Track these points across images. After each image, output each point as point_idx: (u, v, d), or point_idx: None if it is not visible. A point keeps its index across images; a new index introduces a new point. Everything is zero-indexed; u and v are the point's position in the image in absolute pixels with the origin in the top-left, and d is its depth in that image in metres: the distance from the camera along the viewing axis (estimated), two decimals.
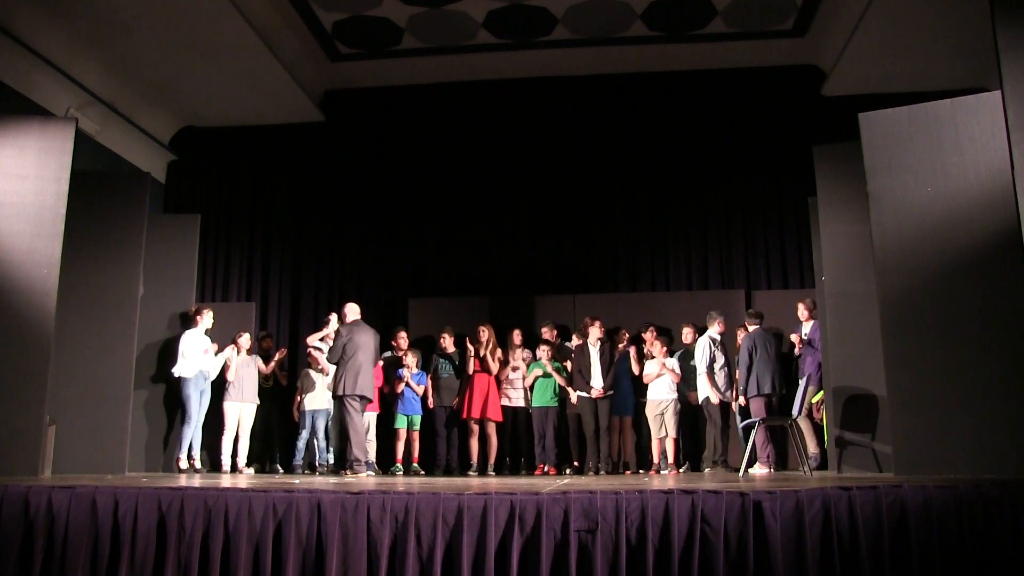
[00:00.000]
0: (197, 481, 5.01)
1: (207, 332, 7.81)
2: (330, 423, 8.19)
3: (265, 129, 10.10)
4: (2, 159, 5.93)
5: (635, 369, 8.09)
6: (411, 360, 8.32)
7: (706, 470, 7.77)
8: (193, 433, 7.66)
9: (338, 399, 7.23)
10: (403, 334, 8.75)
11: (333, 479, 6.14)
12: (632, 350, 8.22)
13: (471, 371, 8.27)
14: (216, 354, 7.84)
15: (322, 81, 9.92)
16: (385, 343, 8.71)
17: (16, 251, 5.77)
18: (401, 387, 8.21)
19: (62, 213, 5.88)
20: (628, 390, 8.13)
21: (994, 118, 4.95)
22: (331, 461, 8.17)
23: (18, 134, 6.04)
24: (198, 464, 7.68)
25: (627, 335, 8.44)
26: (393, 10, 8.65)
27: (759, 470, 7.40)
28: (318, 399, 8.10)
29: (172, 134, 10.12)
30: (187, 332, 7.72)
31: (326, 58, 9.55)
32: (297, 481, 5.34)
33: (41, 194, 5.89)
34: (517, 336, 8.51)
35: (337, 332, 7.52)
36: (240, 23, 8.01)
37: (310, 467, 8.22)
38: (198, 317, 7.78)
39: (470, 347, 8.27)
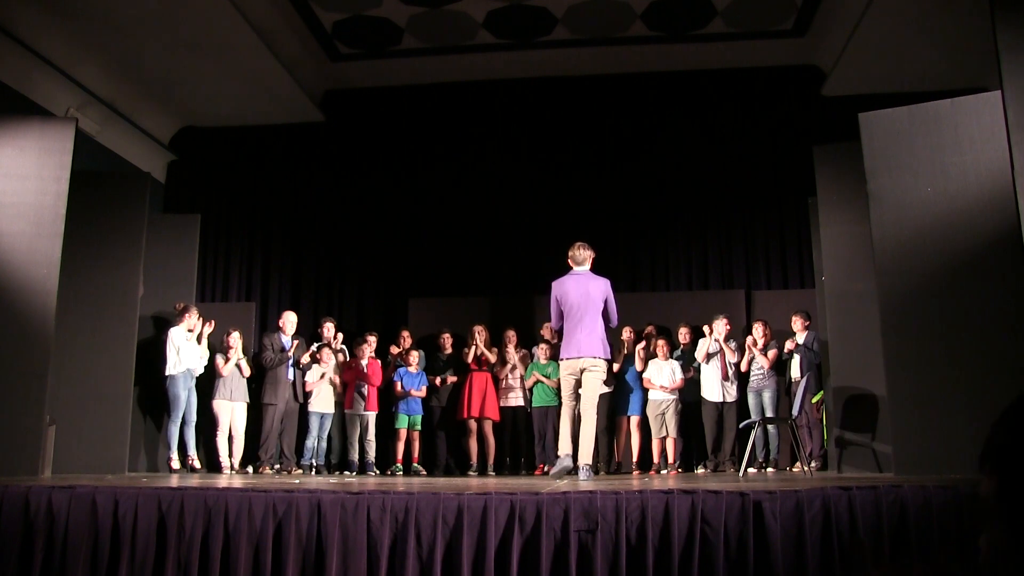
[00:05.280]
0: (197, 481, 5.01)
1: (191, 331, 7.76)
2: (332, 425, 8.22)
3: (265, 129, 10.09)
4: (2, 159, 5.93)
5: (638, 366, 8.08)
6: (413, 360, 8.32)
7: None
8: (185, 432, 7.64)
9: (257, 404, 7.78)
10: (405, 334, 8.75)
11: (332, 479, 6.14)
12: (639, 349, 8.19)
13: (469, 360, 8.30)
14: (199, 343, 7.78)
15: (322, 81, 9.92)
16: (385, 343, 8.74)
17: (16, 251, 5.78)
18: (400, 390, 8.23)
19: (62, 213, 5.88)
20: (636, 389, 8.11)
21: (994, 118, 4.95)
22: (334, 461, 8.22)
23: (18, 134, 6.05)
24: (197, 464, 7.67)
25: (633, 334, 8.41)
26: (393, 10, 8.64)
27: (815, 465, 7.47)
28: (325, 402, 8.10)
29: (172, 134, 10.11)
30: (171, 330, 7.68)
31: (326, 58, 9.55)
32: (297, 481, 5.35)
33: (41, 194, 5.89)
34: (513, 335, 8.52)
35: (271, 342, 8.05)
36: (240, 23, 8.01)
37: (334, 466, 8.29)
38: (185, 315, 7.72)
39: (474, 338, 8.30)
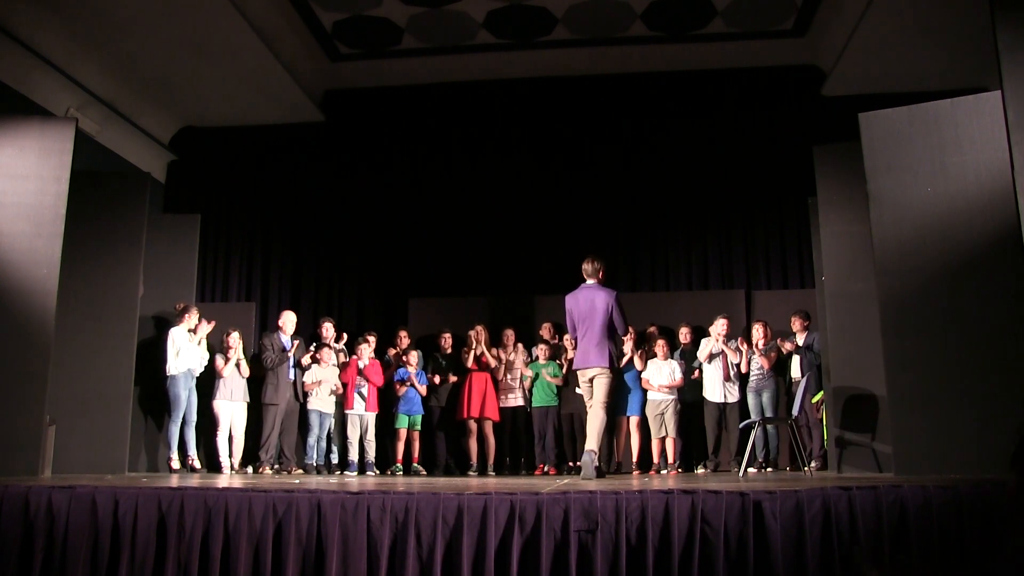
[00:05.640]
0: (197, 481, 5.01)
1: (191, 331, 7.75)
2: (333, 426, 8.22)
3: (265, 129, 10.09)
4: (2, 159, 5.93)
5: (638, 365, 8.07)
6: (413, 359, 8.32)
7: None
8: (186, 432, 7.64)
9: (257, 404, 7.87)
10: (403, 333, 8.75)
11: (333, 479, 6.14)
12: (638, 354, 8.17)
13: (469, 363, 8.30)
14: (199, 344, 7.77)
15: (322, 81, 9.92)
16: (385, 343, 8.74)
17: (16, 251, 5.77)
18: (404, 389, 8.23)
19: (62, 213, 5.88)
20: (636, 389, 8.10)
21: (994, 118, 4.95)
22: (334, 461, 8.23)
23: (18, 134, 6.05)
24: (197, 464, 7.67)
25: (634, 335, 8.39)
26: (393, 10, 8.65)
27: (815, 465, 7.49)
28: (325, 402, 8.10)
29: (172, 134, 10.11)
30: (172, 330, 7.68)
31: (326, 58, 9.55)
32: (297, 481, 5.35)
33: (41, 194, 5.89)
34: (512, 335, 8.52)
35: (271, 342, 8.05)
36: (240, 23, 8.01)
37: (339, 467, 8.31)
38: (186, 315, 7.72)
39: (472, 338, 8.31)
